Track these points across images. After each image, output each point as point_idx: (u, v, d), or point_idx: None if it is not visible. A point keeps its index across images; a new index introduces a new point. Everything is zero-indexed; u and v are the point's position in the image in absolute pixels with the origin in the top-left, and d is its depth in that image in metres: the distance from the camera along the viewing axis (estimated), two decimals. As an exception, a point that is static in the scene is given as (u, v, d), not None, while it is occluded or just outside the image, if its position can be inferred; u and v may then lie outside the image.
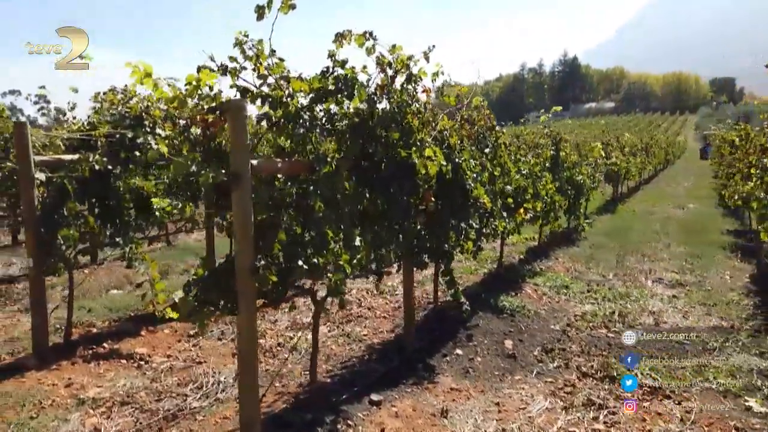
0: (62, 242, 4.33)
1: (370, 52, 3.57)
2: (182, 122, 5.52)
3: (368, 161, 3.53)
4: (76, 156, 4.61)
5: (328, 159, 3.05)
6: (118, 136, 4.86)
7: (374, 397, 3.66)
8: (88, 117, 7.42)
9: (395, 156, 3.68)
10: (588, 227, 9.26)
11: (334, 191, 3.13)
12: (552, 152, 7.54)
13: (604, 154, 12.07)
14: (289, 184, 3.10)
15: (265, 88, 2.99)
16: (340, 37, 3.42)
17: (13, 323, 5.48)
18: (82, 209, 4.62)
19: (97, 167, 4.59)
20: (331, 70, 3.07)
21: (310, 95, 3.03)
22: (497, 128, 5.61)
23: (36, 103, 7.11)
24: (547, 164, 7.19)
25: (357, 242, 3.25)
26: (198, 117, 2.79)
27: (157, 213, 5.07)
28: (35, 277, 4.37)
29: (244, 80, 3.04)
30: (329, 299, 3.40)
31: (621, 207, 14.29)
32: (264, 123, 3.03)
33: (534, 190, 6.32)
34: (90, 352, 4.61)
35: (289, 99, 2.88)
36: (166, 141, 5.17)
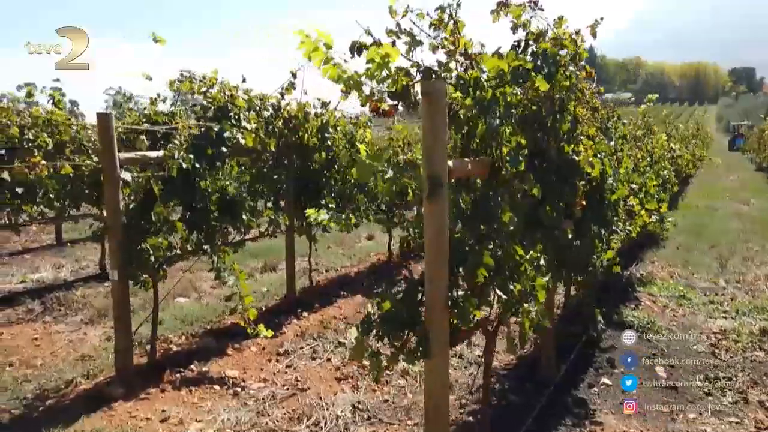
0: (151, 252, 3.76)
1: (526, 26, 2.93)
2: (266, 113, 4.94)
3: (538, 158, 2.90)
4: (161, 153, 4.03)
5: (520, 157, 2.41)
6: (203, 129, 4.28)
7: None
8: (144, 108, 6.87)
9: (560, 152, 3.05)
10: (672, 226, 8.55)
11: (513, 197, 2.51)
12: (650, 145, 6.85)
13: (668, 146, 11.28)
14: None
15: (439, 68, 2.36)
16: (502, 6, 2.79)
17: (80, 337, 4.95)
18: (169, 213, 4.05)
19: (184, 165, 4.01)
20: (523, 43, 2.42)
21: (496, 77, 2.39)
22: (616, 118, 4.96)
23: (51, 96, 6.65)
24: (649, 159, 6.51)
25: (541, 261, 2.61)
26: (370, 104, 2.16)
27: (244, 217, 4.48)
28: (120, 291, 3.81)
29: (407, 59, 2.41)
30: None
31: (682, 203, 13.49)
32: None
33: (645, 188, 5.65)
34: (178, 376, 4.05)
35: (484, 81, 2.24)
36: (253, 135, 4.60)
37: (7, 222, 6.02)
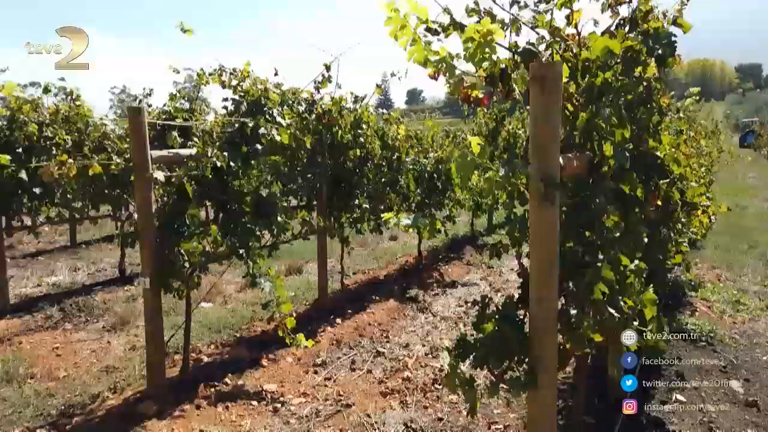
0: (186, 257, 3.47)
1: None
2: (301, 108, 4.65)
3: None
4: (193, 150, 3.74)
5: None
6: (237, 125, 3.99)
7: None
8: (164, 105, 6.59)
9: (641, 147, 2.73)
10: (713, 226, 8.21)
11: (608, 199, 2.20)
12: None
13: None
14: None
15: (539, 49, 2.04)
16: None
17: (103, 346, 4.67)
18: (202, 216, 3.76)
19: (218, 164, 3.72)
20: (629, 22, 2.11)
21: (603, 60, 2.07)
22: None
23: (69, 92, 6.41)
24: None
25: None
26: (461, 92, 1.85)
27: (279, 219, 4.18)
28: (152, 300, 3.52)
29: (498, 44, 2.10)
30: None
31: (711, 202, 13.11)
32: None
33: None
34: (213, 390, 3.76)
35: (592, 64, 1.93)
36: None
37: (23, 224, 5.74)
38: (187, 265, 3.51)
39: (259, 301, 5.86)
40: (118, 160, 3.41)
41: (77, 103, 5.61)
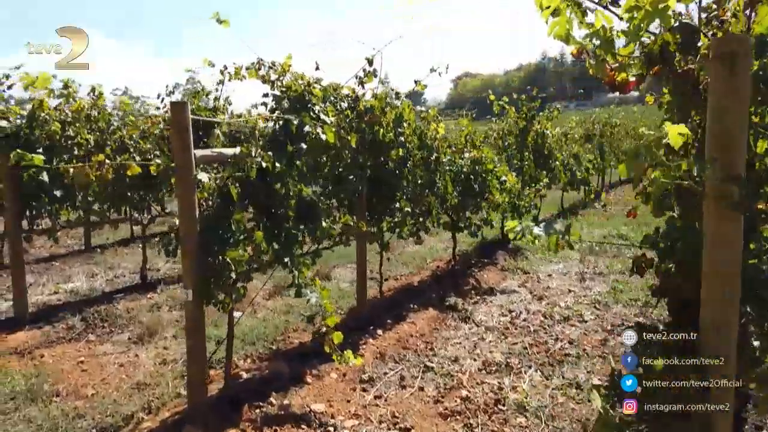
0: (233, 267, 3.16)
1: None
2: (343, 105, 4.34)
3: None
4: (237, 150, 3.44)
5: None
6: (281, 122, 3.68)
7: None
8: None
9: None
10: None
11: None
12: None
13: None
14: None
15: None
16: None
17: (131, 360, 4.37)
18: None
19: (264, 164, 3.41)
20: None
21: None
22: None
23: (92, 89, 6.17)
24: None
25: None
26: (607, 74, 1.54)
27: (324, 224, 3.88)
28: (194, 311, 3.21)
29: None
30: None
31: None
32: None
33: None
34: (258, 412, 3.45)
35: None
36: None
37: (41, 228, 5.44)
38: (233, 275, 3.20)
39: (289, 309, 5.57)
40: (158, 161, 3.10)
41: (99, 102, 5.30)
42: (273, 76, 4.07)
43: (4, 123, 4.58)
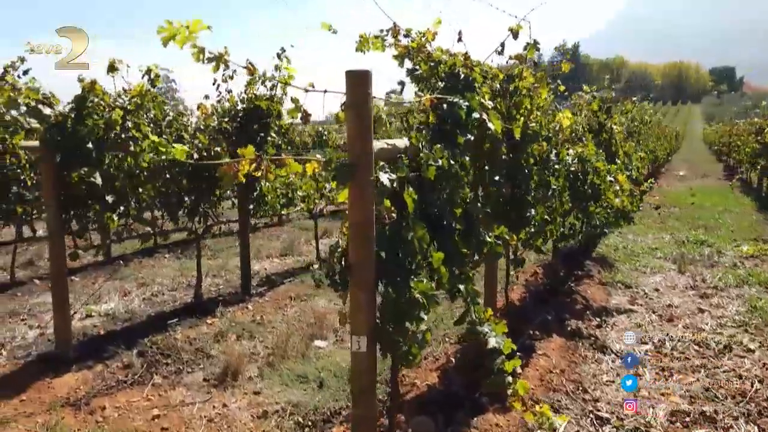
0: (424, 302, 2.26)
1: None
2: (497, 87, 3.47)
3: None
4: (406, 141, 2.54)
5: None
6: (445, 105, 2.79)
7: None
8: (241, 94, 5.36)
9: None
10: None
11: None
12: None
13: None
14: None
15: None
16: None
17: (218, 412, 3.43)
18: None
19: (440, 162, 2.52)
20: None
21: None
22: None
23: (148, 70, 5.30)
24: None
25: None
26: None
27: (489, 238, 3.00)
28: (367, 368, 2.30)
29: None
30: None
31: None
32: None
33: None
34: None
35: None
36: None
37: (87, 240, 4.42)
38: (423, 314, 2.29)
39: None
40: (318, 156, 2.19)
41: (155, 86, 4.32)
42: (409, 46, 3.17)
43: (48, 111, 3.59)
